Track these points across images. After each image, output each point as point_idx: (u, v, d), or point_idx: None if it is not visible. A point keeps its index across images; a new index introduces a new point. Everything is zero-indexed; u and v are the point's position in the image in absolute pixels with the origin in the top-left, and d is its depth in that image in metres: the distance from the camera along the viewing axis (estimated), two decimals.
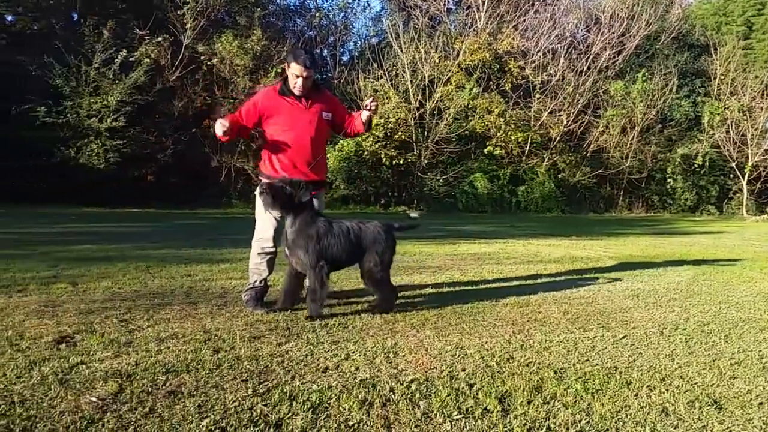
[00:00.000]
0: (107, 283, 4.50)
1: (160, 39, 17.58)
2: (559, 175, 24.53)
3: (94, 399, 2.16)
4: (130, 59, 16.59)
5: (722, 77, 26.83)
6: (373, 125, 4.28)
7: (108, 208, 15.49)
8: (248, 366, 2.62)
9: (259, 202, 3.88)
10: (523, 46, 23.59)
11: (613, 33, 24.68)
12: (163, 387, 2.32)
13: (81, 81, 16.15)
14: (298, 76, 3.85)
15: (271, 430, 1.98)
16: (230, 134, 4.01)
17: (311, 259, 3.55)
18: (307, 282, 4.23)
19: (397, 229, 3.99)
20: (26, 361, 2.55)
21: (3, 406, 2.07)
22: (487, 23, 23.40)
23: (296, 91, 3.92)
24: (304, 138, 3.96)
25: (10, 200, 15.27)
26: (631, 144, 25.41)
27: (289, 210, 3.58)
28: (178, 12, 18.06)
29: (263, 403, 2.19)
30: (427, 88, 21.90)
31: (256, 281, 4.01)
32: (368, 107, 4.00)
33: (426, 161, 21.85)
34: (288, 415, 2.09)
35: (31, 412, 2.03)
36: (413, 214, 4.47)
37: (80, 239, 7.56)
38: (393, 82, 21.94)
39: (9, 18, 19.30)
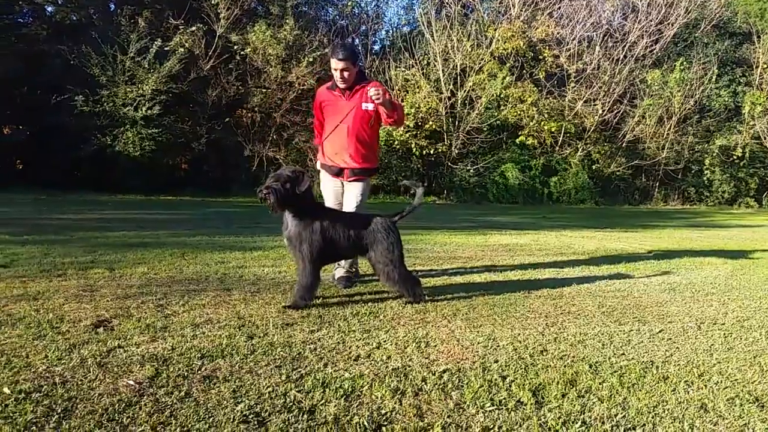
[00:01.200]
0: (143, 269, 4.59)
1: (194, 28, 17.71)
2: (593, 166, 24.09)
3: (131, 382, 2.21)
4: (165, 49, 16.76)
5: (765, 66, 25.94)
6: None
7: (143, 196, 15.79)
8: (281, 352, 2.64)
9: (322, 182, 4.50)
10: (557, 33, 23.14)
11: (651, 21, 24.02)
12: (199, 372, 2.36)
13: (117, 70, 16.40)
14: (335, 69, 4.14)
15: (305, 416, 2.00)
16: (320, 135, 4.57)
17: (309, 253, 3.52)
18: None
19: (399, 219, 3.90)
20: (66, 344, 2.62)
21: (45, 386, 2.13)
22: (521, 11, 23.01)
23: (339, 84, 4.23)
24: (343, 128, 4.28)
25: (49, 187, 15.69)
26: (667, 135, 24.79)
27: (293, 204, 3.53)
28: (212, 2, 18.17)
29: (297, 390, 2.21)
30: (458, 77, 21.69)
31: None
32: (371, 98, 4.08)
33: (457, 151, 21.69)
34: (321, 402, 2.11)
35: (71, 393, 2.09)
36: (407, 182, 4.44)
37: (117, 226, 7.72)
38: (424, 71, 21.78)
39: (49, 9, 19.73)
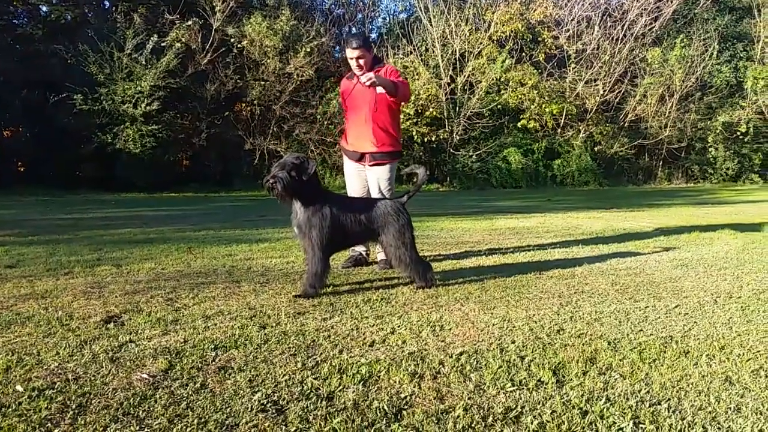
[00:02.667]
0: (150, 265, 4.56)
1: (189, 23, 17.60)
2: (596, 147, 23.96)
3: (145, 376, 2.18)
4: (162, 44, 16.66)
5: (767, 40, 25.68)
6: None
7: (146, 193, 15.76)
8: (295, 341, 2.61)
9: (346, 169, 4.65)
10: (556, 15, 22.95)
11: None
12: (213, 363, 2.32)
13: (114, 67, 16.32)
14: (351, 59, 4.34)
15: (323, 402, 1.96)
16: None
17: (319, 240, 3.47)
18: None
19: (407, 200, 3.85)
20: (77, 341, 2.59)
21: (59, 383, 2.10)
22: None
23: (356, 72, 4.41)
24: (363, 113, 4.44)
25: (51, 187, 15.69)
26: (669, 113, 24.63)
27: (300, 192, 3.47)
28: None
29: (313, 377, 2.17)
30: (457, 63, 21.54)
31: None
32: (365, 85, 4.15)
33: (458, 137, 21.57)
34: (339, 388, 2.08)
35: (85, 389, 2.06)
36: (408, 170, 4.43)
37: (121, 223, 7.70)
38: (423, 57, 21.62)
39: (44, 9, 19.62)
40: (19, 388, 2.05)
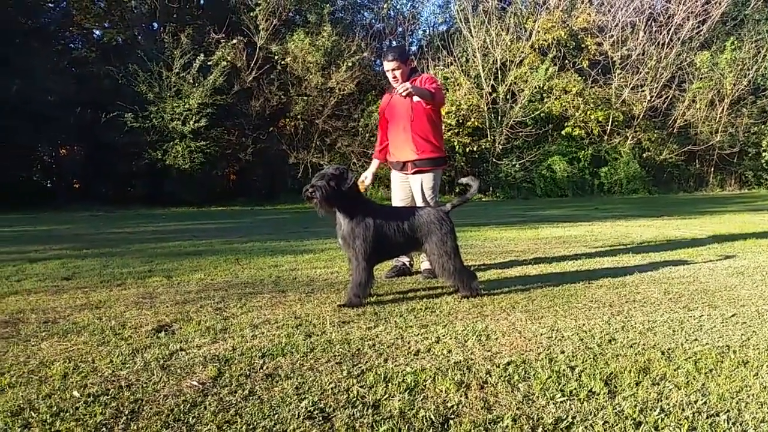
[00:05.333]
0: (200, 275, 4.66)
1: (235, 41, 18.05)
2: (644, 154, 23.37)
3: (195, 383, 2.21)
4: (208, 63, 17.14)
5: None
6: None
7: (195, 207, 16.15)
8: (340, 349, 2.62)
9: (392, 180, 4.72)
10: (599, 21, 22.59)
11: (696, 1, 23.16)
12: (261, 370, 2.35)
13: (163, 86, 16.86)
14: (387, 71, 4.43)
15: (369, 410, 1.95)
16: (382, 140, 4.82)
17: (363, 250, 3.48)
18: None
19: (452, 209, 3.82)
20: (129, 349, 2.65)
21: (112, 389, 2.16)
22: (559, 0, 22.56)
23: (393, 84, 4.43)
24: (401, 123, 4.50)
25: (104, 203, 16.26)
26: (720, 117, 23.85)
27: (339, 201, 3.50)
28: (251, 14, 18.49)
29: (359, 385, 2.17)
30: (499, 72, 21.40)
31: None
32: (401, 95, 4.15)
33: (501, 147, 21.37)
34: (385, 397, 2.07)
35: (137, 395, 2.11)
36: (464, 180, 4.38)
37: (171, 236, 7.90)
38: (463, 68, 21.57)
39: (97, 33, 20.50)
40: (75, 393, 2.12)
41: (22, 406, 2.02)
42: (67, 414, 1.95)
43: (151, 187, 17.50)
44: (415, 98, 4.30)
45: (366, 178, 4.66)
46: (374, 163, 4.86)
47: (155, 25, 19.96)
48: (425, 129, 4.47)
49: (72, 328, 3.04)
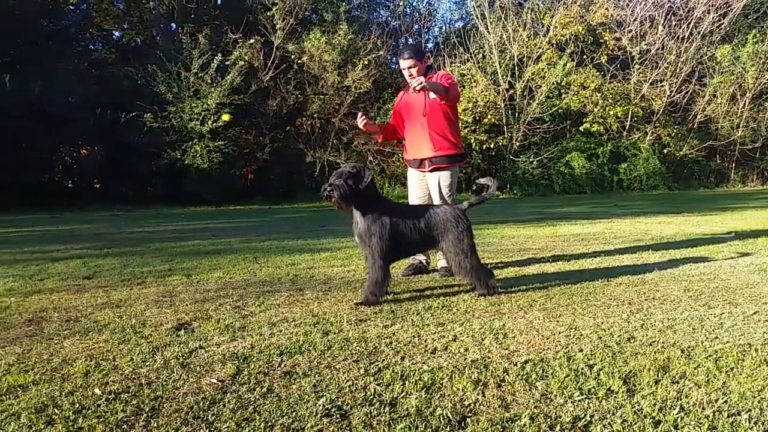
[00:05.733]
0: (219, 274, 4.70)
1: (252, 41, 18.15)
2: (664, 150, 23.07)
3: (214, 381, 2.24)
4: (226, 63, 17.26)
5: None
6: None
7: (214, 207, 16.29)
8: (358, 347, 2.63)
9: (408, 178, 4.73)
10: (617, 16, 22.33)
11: None
12: (279, 368, 2.37)
13: (182, 86, 17.01)
14: (404, 69, 4.43)
15: (387, 408, 1.96)
16: (384, 136, 4.92)
17: (379, 248, 3.50)
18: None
19: (468, 207, 3.81)
20: (149, 347, 2.69)
21: (133, 387, 2.19)
22: None
23: (409, 81, 4.35)
24: (418, 120, 4.49)
25: (124, 203, 16.46)
26: (742, 112, 23.46)
27: (356, 200, 3.52)
28: (268, 14, 18.58)
29: (376, 383, 2.18)
30: (516, 68, 21.27)
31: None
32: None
33: (518, 143, 21.24)
34: (402, 395, 2.07)
35: (157, 393, 2.13)
36: (482, 180, 4.36)
37: (191, 235, 7.98)
38: (480, 64, 21.46)
39: (116, 34, 20.75)
40: (97, 391, 2.15)
41: (45, 403, 2.05)
42: (89, 411, 1.99)
43: (170, 187, 17.69)
44: (431, 95, 4.30)
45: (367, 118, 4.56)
46: (378, 128, 4.85)
47: (173, 25, 20.16)
48: (442, 126, 4.46)
49: (93, 326, 3.09)
